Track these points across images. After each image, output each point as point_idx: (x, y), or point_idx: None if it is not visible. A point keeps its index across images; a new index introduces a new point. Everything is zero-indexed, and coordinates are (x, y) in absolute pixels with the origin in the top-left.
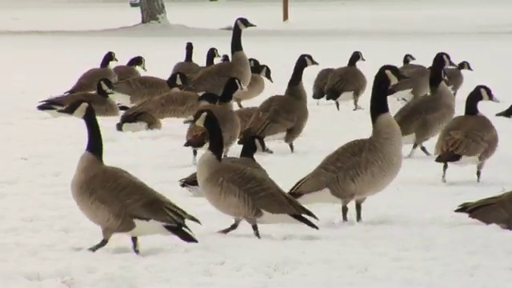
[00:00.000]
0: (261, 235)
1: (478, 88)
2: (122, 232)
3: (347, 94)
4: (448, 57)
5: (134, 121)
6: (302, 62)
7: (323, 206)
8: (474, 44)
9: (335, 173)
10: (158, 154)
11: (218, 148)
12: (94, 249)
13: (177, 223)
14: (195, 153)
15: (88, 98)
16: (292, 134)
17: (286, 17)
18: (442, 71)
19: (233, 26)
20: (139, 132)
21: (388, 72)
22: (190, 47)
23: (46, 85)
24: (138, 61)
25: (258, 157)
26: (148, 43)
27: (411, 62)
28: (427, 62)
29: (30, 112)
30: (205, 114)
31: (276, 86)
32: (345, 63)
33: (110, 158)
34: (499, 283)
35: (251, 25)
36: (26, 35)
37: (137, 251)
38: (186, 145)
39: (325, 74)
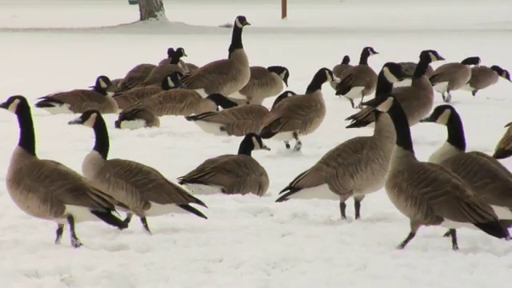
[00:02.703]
0: (259, 233)
1: None
2: (56, 217)
3: (357, 88)
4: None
5: (133, 118)
6: (427, 57)
7: (322, 203)
8: (474, 42)
9: (335, 168)
10: (156, 152)
11: (103, 147)
12: (75, 242)
13: (104, 208)
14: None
15: (86, 95)
16: None
17: (284, 14)
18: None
19: (231, 23)
20: (137, 129)
21: (386, 70)
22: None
23: (44, 82)
24: (179, 53)
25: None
26: (146, 40)
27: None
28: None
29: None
30: (94, 114)
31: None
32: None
33: (108, 156)
34: (499, 281)
35: (246, 23)
36: (24, 32)
37: (56, 241)
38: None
39: (340, 69)
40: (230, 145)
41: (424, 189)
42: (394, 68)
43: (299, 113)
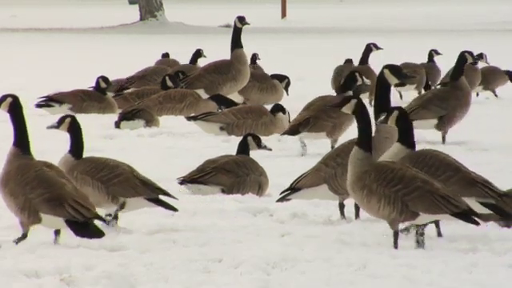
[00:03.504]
0: (259, 232)
1: None
2: (33, 224)
3: (363, 94)
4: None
5: (132, 118)
6: (463, 58)
7: (322, 203)
8: (474, 41)
9: (334, 168)
10: (156, 152)
11: (77, 150)
12: (16, 241)
13: (78, 219)
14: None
15: (86, 95)
16: (443, 122)
17: (284, 14)
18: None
19: (231, 23)
20: (137, 130)
21: (386, 71)
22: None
23: (44, 82)
24: (198, 54)
25: (259, 154)
26: (146, 40)
27: (435, 58)
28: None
29: (28, 109)
30: (68, 119)
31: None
32: (343, 60)
33: (107, 156)
34: (499, 281)
35: (246, 23)
36: (24, 32)
37: (55, 242)
38: (283, 134)
39: (341, 69)
40: (229, 145)
41: (395, 187)
42: (395, 69)
43: (331, 115)
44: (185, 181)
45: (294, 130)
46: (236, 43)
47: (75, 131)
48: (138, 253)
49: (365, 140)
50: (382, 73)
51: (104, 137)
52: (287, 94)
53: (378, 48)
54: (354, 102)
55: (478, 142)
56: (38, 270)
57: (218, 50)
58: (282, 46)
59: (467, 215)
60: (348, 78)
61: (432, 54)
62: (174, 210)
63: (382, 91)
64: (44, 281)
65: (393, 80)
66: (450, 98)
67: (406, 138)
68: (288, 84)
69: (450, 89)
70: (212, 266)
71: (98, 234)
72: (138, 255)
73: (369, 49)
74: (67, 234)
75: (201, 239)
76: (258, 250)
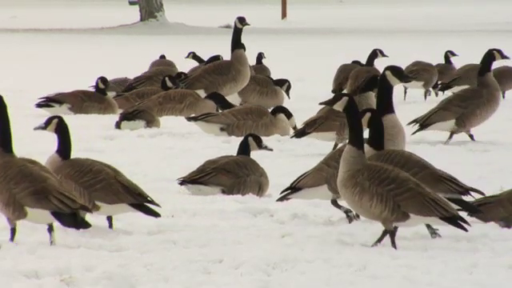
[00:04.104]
0: (259, 233)
1: None
2: (19, 219)
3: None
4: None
5: (133, 119)
6: (491, 56)
7: (322, 203)
8: (474, 42)
9: (335, 168)
10: (157, 153)
11: (64, 150)
12: (11, 239)
13: (65, 210)
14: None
15: (87, 95)
16: (462, 120)
17: (284, 15)
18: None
19: (231, 24)
20: (138, 130)
21: (388, 73)
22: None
23: (44, 82)
24: (217, 59)
25: (259, 154)
26: (146, 41)
27: (451, 59)
28: (427, 60)
29: (29, 110)
30: (55, 120)
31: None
32: (343, 61)
33: (108, 157)
34: (498, 281)
35: (246, 24)
36: (24, 33)
37: (51, 242)
38: (291, 137)
39: (343, 70)
40: (229, 145)
41: (388, 186)
42: (396, 71)
43: (339, 114)
44: (185, 181)
45: (300, 132)
46: (236, 44)
47: (62, 132)
48: (138, 253)
49: (356, 138)
50: (383, 74)
51: (104, 137)
52: (289, 98)
53: (383, 55)
54: (345, 99)
55: (480, 142)
56: (37, 270)
57: (218, 51)
58: (282, 46)
59: (455, 220)
60: (371, 80)
61: (448, 55)
62: (157, 215)
63: (384, 92)
64: (44, 281)
65: (394, 81)
66: (472, 96)
67: (376, 141)
68: (289, 87)
69: (475, 88)
70: (212, 266)
71: (85, 225)
72: (138, 256)
73: (374, 54)
74: (67, 234)
75: (201, 240)
76: (258, 251)
